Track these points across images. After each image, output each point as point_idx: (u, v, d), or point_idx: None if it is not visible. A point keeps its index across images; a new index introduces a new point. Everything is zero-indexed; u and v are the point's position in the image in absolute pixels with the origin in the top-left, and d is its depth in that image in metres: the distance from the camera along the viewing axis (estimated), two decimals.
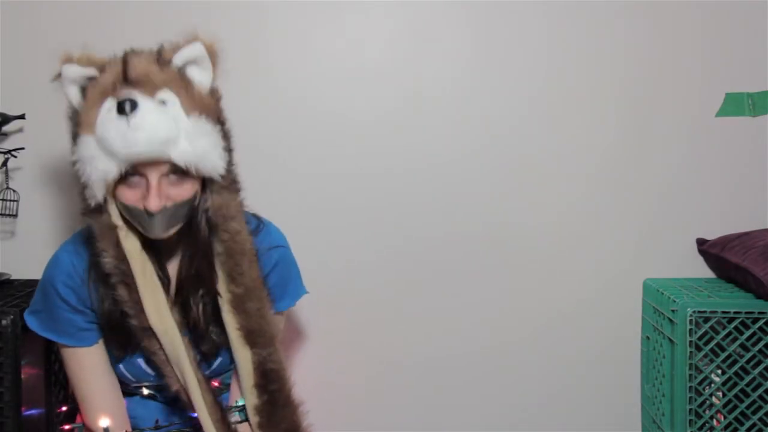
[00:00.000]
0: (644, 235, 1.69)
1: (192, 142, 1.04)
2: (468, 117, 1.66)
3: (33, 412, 1.37)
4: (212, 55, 1.09)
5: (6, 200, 1.54)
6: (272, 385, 1.17)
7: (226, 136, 1.12)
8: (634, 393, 1.72)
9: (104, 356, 1.19)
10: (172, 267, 1.19)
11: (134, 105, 1.00)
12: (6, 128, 1.56)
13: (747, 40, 1.64)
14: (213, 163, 1.07)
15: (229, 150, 1.12)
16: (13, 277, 1.56)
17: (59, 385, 1.46)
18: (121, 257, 1.10)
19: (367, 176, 1.66)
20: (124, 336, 1.16)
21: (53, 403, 1.43)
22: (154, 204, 1.03)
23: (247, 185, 1.21)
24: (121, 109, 1.00)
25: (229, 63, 1.11)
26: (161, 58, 1.06)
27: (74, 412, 1.35)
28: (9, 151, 1.53)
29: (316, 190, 1.66)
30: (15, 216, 1.57)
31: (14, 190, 1.56)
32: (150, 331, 1.12)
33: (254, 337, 1.15)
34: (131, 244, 1.11)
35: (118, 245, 1.10)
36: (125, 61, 1.05)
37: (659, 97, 1.66)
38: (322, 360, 1.70)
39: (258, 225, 1.24)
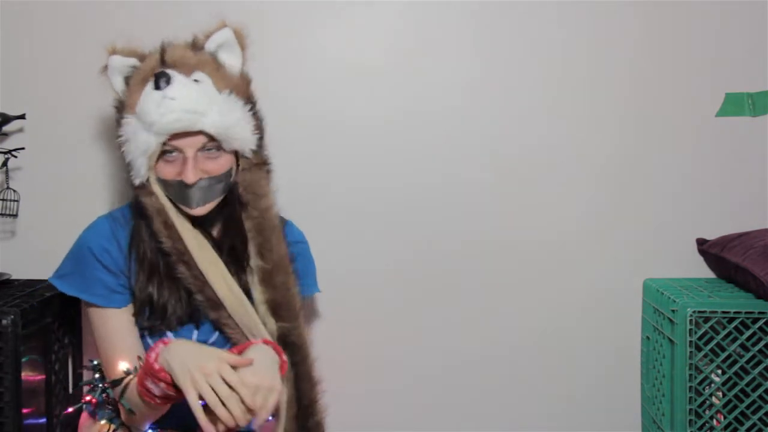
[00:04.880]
0: (644, 235, 1.68)
1: (222, 115, 1.11)
2: (469, 118, 1.66)
3: (32, 421, 1.37)
4: (240, 39, 1.20)
5: (6, 200, 1.54)
6: (295, 357, 1.22)
7: (256, 116, 1.20)
8: (634, 393, 1.72)
9: (131, 319, 1.20)
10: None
11: (168, 78, 1.10)
12: (6, 128, 1.56)
13: (747, 40, 1.64)
14: (243, 137, 1.15)
15: (260, 130, 1.20)
16: (13, 277, 1.56)
17: (60, 385, 1.47)
18: (176, 237, 1.16)
19: (368, 178, 1.66)
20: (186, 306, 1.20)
21: (53, 403, 1.43)
22: (191, 176, 1.11)
23: None
24: (156, 83, 1.10)
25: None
26: (195, 44, 1.18)
27: (78, 412, 1.35)
28: (9, 151, 1.53)
29: (318, 193, 1.66)
30: (15, 216, 1.57)
31: (14, 190, 1.56)
32: (218, 303, 1.17)
33: (280, 310, 1.21)
34: (181, 222, 1.17)
35: (168, 225, 1.16)
36: (163, 49, 1.16)
37: (659, 97, 1.66)
38: (330, 362, 1.69)
39: (281, 219, 1.29)
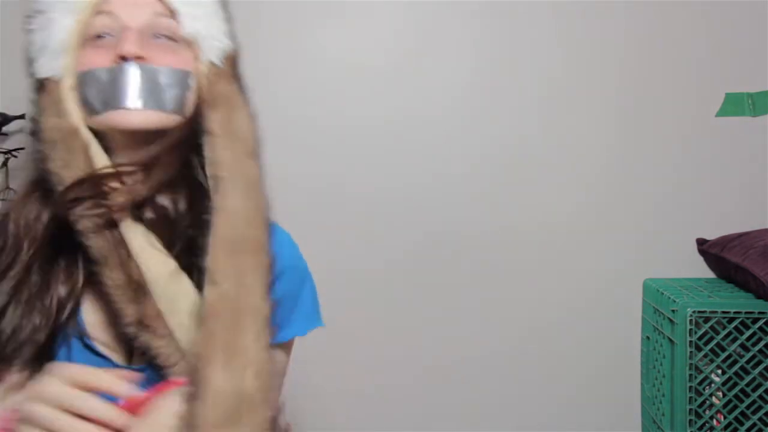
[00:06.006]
0: (644, 235, 1.69)
1: None
2: (469, 118, 1.66)
3: None
4: None
5: (6, 200, 1.54)
6: None
7: (229, 20, 0.86)
8: (634, 393, 1.72)
9: None
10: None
11: None
12: (6, 128, 1.56)
13: (747, 40, 1.64)
14: (213, 28, 0.80)
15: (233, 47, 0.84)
16: None
17: None
18: (89, 167, 0.76)
19: (368, 178, 1.67)
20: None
21: None
22: (129, 47, 0.73)
23: None
24: None
25: None
26: None
27: None
28: (9, 151, 1.54)
29: (318, 193, 1.66)
30: None
31: (15, 190, 1.56)
32: (143, 288, 0.73)
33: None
34: (101, 154, 0.77)
35: (86, 162, 0.75)
36: None
37: (659, 97, 1.66)
38: (330, 362, 1.70)
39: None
